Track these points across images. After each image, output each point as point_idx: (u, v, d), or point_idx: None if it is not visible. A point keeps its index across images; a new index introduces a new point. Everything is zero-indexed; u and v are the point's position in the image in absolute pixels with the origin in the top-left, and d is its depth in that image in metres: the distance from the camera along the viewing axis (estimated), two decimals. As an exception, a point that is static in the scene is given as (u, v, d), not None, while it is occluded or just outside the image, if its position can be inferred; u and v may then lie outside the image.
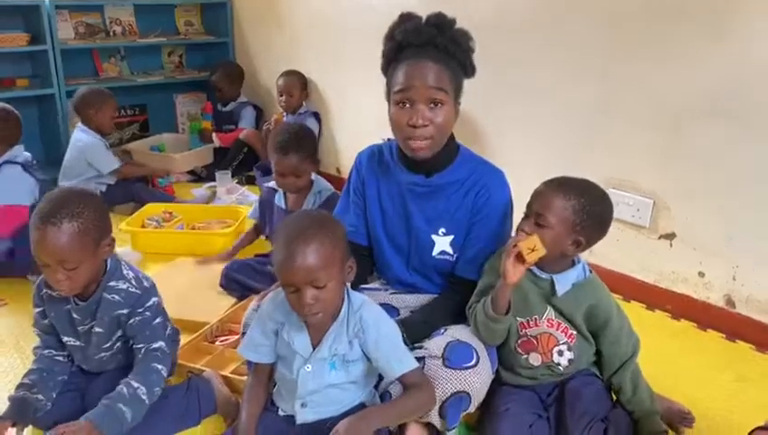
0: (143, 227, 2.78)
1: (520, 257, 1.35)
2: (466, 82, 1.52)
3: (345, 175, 2.86)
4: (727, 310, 2.09)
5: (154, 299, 1.54)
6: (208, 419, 1.61)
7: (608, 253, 2.29)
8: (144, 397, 1.44)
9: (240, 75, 3.84)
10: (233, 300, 2.20)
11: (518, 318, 1.48)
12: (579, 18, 2.26)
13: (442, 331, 1.50)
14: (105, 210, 1.48)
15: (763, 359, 1.96)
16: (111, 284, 1.49)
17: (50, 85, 3.38)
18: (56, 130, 3.49)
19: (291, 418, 1.39)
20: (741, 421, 1.56)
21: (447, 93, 1.44)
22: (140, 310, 1.50)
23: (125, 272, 1.53)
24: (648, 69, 2.11)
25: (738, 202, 1.99)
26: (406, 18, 1.50)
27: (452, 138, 1.56)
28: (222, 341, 1.94)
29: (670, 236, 2.20)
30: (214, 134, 3.75)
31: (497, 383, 1.52)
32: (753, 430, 1.35)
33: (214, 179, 3.40)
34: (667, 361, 1.90)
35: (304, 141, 2.18)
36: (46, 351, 1.57)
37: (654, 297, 2.26)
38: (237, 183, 3.45)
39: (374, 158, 1.67)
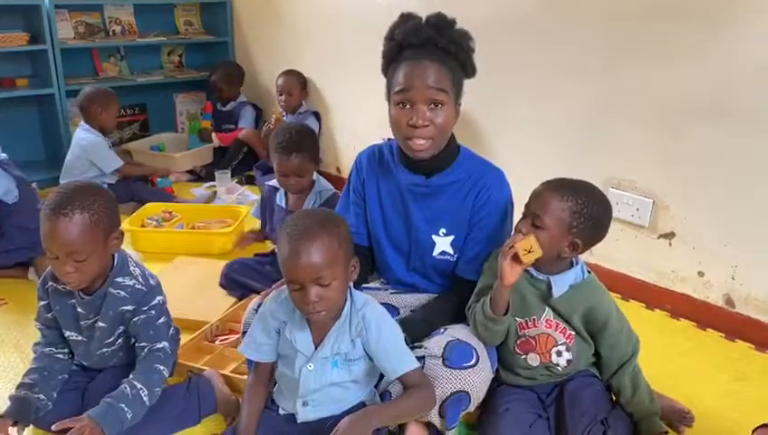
0: (143, 226, 2.78)
1: (516, 258, 1.35)
2: (466, 82, 1.52)
3: (345, 174, 2.86)
4: (727, 309, 2.10)
5: (159, 298, 1.55)
6: (208, 418, 1.61)
7: (607, 252, 2.30)
8: (145, 398, 1.44)
9: (240, 75, 3.83)
10: (233, 300, 2.20)
11: (517, 318, 1.48)
12: (579, 18, 2.26)
13: (442, 330, 1.50)
14: (115, 203, 1.49)
15: (762, 358, 1.96)
16: (118, 279, 1.50)
17: (50, 85, 3.38)
18: (56, 129, 3.49)
19: (291, 417, 1.40)
20: (740, 420, 1.56)
21: (448, 94, 1.44)
22: (145, 308, 1.50)
23: (132, 268, 1.54)
24: (648, 69, 2.11)
25: (738, 202, 2.00)
26: (406, 18, 1.50)
27: (453, 138, 1.56)
28: (222, 340, 1.94)
29: (670, 236, 2.20)
30: (213, 134, 3.76)
31: (497, 383, 1.52)
32: (756, 428, 1.35)
33: (213, 179, 3.40)
34: (667, 360, 1.91)
35: (306, 141, 2.17)
36: (47, 348, 1.57)
37: (653, 297, 2.26)
38: (237, 183, 3.45)
39: (374, 158, 1.67)
